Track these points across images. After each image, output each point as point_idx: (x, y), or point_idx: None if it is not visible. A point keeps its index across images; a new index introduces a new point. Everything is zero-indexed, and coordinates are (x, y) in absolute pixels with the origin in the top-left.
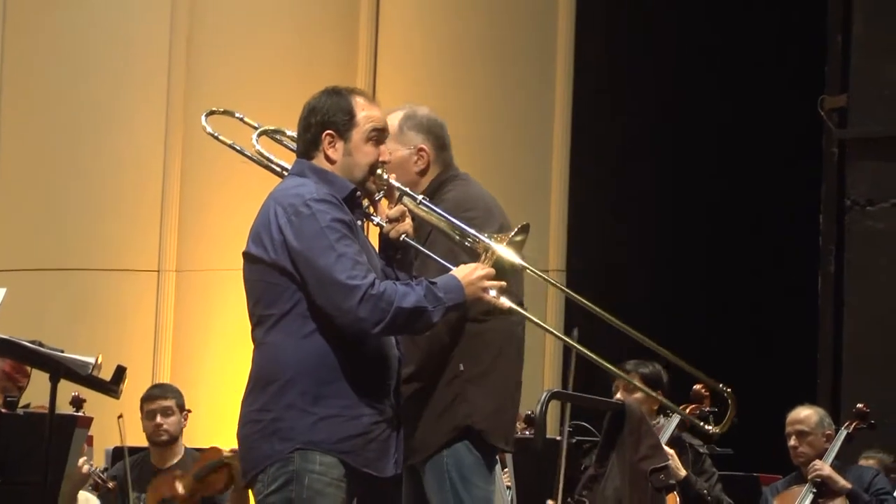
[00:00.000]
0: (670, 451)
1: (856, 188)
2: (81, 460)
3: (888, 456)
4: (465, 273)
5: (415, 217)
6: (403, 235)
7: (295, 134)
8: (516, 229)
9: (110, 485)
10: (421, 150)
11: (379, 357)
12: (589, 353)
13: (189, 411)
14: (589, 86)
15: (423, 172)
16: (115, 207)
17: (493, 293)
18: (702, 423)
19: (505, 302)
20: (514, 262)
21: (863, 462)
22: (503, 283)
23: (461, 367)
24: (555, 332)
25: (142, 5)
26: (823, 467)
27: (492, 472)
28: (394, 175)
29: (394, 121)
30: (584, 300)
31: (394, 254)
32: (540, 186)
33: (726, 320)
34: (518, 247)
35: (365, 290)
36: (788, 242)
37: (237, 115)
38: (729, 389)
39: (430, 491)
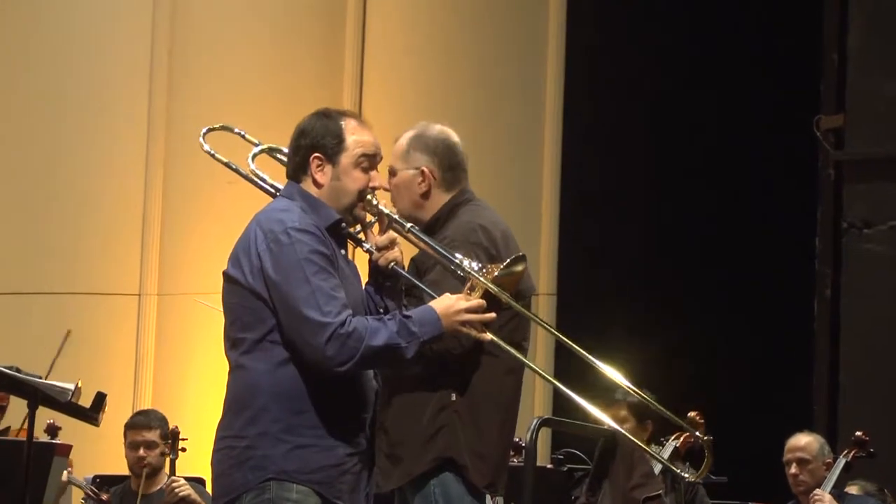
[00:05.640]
0: None
1: (853, 210)
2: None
3: (872, 485)
4: (444, 305)
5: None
6: (392, 263)
7: None
8: (509, 260)
9: (104, 496)
10: (423, 171)
11: (355, 389)
12: (578, 398)
13: (185, 438)
14: (579, 105)
15: (426, 195)
16: (95, 230)
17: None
18: (678, 470)
19: (487, 335)
20: (498, 295)
21: (848, 490)
22: (489, 317)
23: (453, 398)
24: (545, 375)
25: (122, 23)
26: (824, 497)
27: (482, 502)
28: (384, 201)
29: (403, 140)
30: (562, 336)
31: (383, 281)
32: (530, 208)
33: (720, 345)
34: (514, 277)
35: (335, 329)
36: (784, 266)
37: (236, 130)
38: (707, 438)
39: None
